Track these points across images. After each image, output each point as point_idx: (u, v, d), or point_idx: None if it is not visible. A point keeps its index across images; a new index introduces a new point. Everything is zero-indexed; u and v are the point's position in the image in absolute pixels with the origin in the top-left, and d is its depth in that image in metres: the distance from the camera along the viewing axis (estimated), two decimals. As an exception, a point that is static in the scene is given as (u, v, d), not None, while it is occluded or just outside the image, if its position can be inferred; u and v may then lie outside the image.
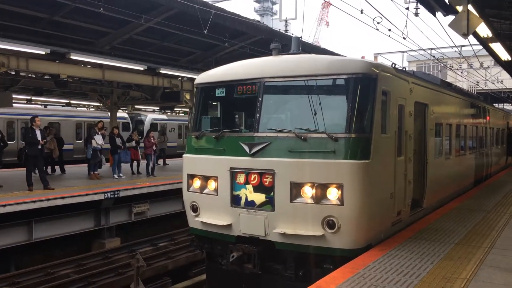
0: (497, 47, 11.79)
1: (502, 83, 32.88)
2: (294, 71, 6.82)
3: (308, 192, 6.34)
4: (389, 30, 16.08)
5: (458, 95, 12.27)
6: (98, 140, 15.10)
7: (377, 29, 15.08)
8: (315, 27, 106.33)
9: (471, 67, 29.54)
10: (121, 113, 28.57)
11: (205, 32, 13.11)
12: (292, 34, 15.84)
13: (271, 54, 7.58)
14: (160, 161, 22.16)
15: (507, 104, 39.46)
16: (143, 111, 32.78)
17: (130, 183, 14.46)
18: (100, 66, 15.34)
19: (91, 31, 14.83)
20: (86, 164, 16.20)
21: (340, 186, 6.17)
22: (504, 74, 25.63)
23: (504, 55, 12.70)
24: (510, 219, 8.71)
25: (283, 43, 8.64)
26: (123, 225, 13.45)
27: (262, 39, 16.54)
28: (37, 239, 11.21)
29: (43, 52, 12.45)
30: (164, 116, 33.27)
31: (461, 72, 32.71)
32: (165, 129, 27.32)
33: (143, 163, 17.50)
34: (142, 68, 15.54)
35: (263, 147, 6.61)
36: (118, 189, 13.03)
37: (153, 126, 29.70)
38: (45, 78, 17.37)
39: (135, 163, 17.43)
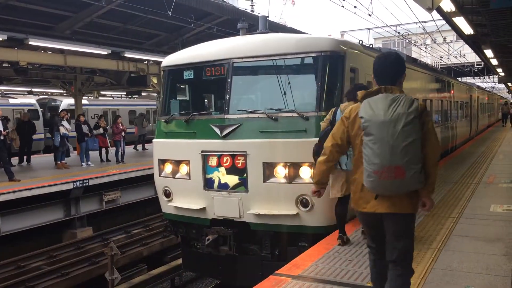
0: (460, 21, 11.97)
1: (464, 57, 33.73)
2: (263, 51, 6.74)
3: (281, 172, 6.35)
4: (355, 7, 16.11)
5: (423, 70, 12.49)
6: (66, 126, 14.71)
7: (343, 6, 15.08)
8: (281, 6, 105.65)
9: (435, 42, 30.13)
10: (27, 99, 25.05)
11: (170, 13, 12.80)
12: (259, 13, 15.70)
13: (238, 35, 7.48)
14: (139, 146, 21.95)
15: (469, 77, 40.56)
16: (56, 95, 28.46)
17: (99, 171, 14.17)
18: (62, 51, 14.81)
19: (50, 15, 14.26)
20: (53, 154, 15.74)
21: (312, 165, 6.18)
22: (467, 48, 26.25)
23: (467, 29, 12.92)
24: (476, 189, 9.01)
25: (250, 22, 8.51)
26: (94, 214, 13.20)
27: (229, 20, 16.31)
28: (6, 232, 10.89)
29: (0, 39, 11.91)
30: (84, 101, 27.19)
31: (425, 48, 33.34)
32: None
33: (112, 150, 17.15)
34: (105, 53, 15.08)
35: (234, 128, 6.55)
36: (87, 177, 12.74)
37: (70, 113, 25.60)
38: (4, 66, 16.67)
39: (103, 150, 17.06)
